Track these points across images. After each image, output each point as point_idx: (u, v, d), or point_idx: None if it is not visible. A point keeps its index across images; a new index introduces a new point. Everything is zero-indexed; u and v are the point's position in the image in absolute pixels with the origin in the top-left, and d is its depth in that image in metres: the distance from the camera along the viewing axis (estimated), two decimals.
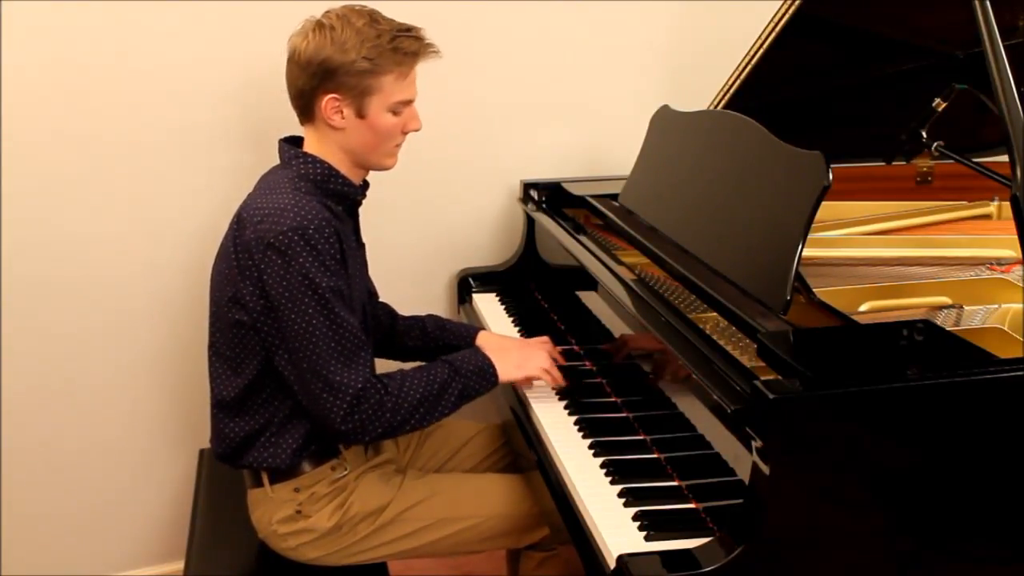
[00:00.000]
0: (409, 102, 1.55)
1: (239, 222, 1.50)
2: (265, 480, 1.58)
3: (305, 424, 1.55)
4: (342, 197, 1.57)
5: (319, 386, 1.44)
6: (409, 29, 1.52)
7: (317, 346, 1.44)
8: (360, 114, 1.51)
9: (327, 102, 1.49)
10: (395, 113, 1.53)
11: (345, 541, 1.59)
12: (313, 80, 1.48)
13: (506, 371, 1.61)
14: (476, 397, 1.59)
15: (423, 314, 1.88)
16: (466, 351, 1.63)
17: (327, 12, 1.50)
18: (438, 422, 1.85)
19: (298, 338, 1.44)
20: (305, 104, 1.52)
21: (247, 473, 1.62)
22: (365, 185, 1.63)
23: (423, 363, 1.58)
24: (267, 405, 1.55)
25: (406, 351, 1.84)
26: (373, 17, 1.50)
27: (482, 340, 1.78)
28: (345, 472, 1.60)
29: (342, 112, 1.50)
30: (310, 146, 1.57)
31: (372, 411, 1.46)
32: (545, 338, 1.77)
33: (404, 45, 1.49)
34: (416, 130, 1.58)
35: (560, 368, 1.68)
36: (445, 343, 1.83)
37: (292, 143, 1.58)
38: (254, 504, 1.62)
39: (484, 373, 1.59)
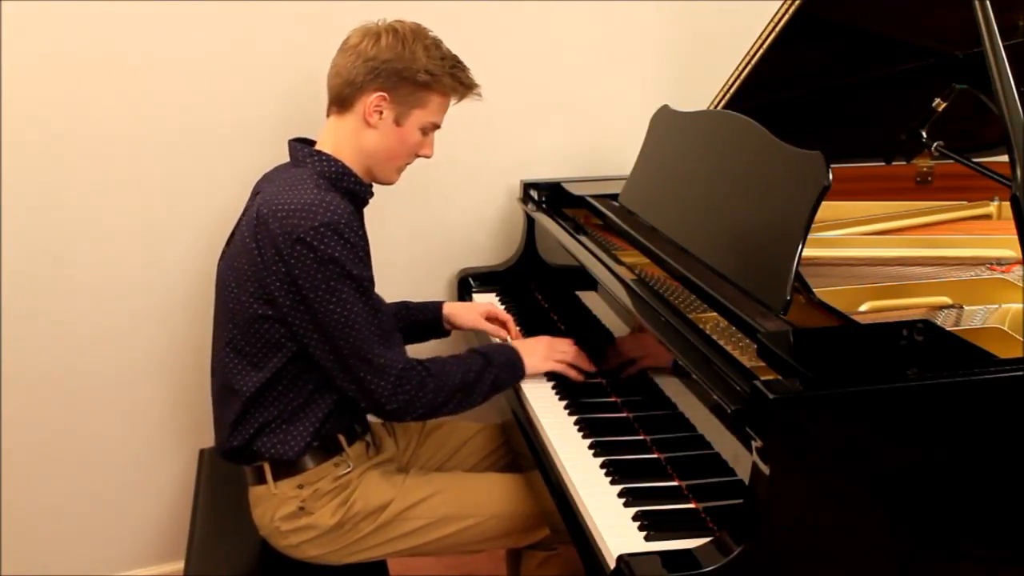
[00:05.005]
0: (436, 127, 1.63)
1: (258, 218, 1.50)
2: (268, 476, 1.58)
3: (313, 415, 1.56)
4: (353, 196, 1.60)
5: (364, 368, 1.49)
6: (464, 67, 1.61)
7: (360, 331, 1.47)
8: (398, 121, 1.57)
9: (375, 99, 1.54)
10: (424, 132, 1.61)
11: (347, 539, 1.59)
12: (370, 75, 1.54)
13: (534, 364, 1.68)
14: (505, 388, 1.67)
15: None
16: (496, 345, 1.71)
17: (400, 22, 1.58)
18: (437, 423, 1.87)
19: (338, 325, 1.47)
20: (348, 95, 1.56)
21: (249, 470, 1.62)
22: (371, 186, 1.65)
23: (455, 354, 1.64)
24: (281, 398, 1.55)
25: None
26: (437, 43, 1.59)
27: (448, 309, 1.90)
28: (348, 469, 1.60)
29: (382, 113, 1.56)
30: (325, 141, 1.60)
31: (416, 390, 1.52)
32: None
33: (461, 76, 1.60)
34: (427, 156, 1.66)
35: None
36: (411, 320, 1.90)
37: (302, 143, 1.61)
38: (256, 501, 1.62)
39: (514, 366, 1.65)
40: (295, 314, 1.49)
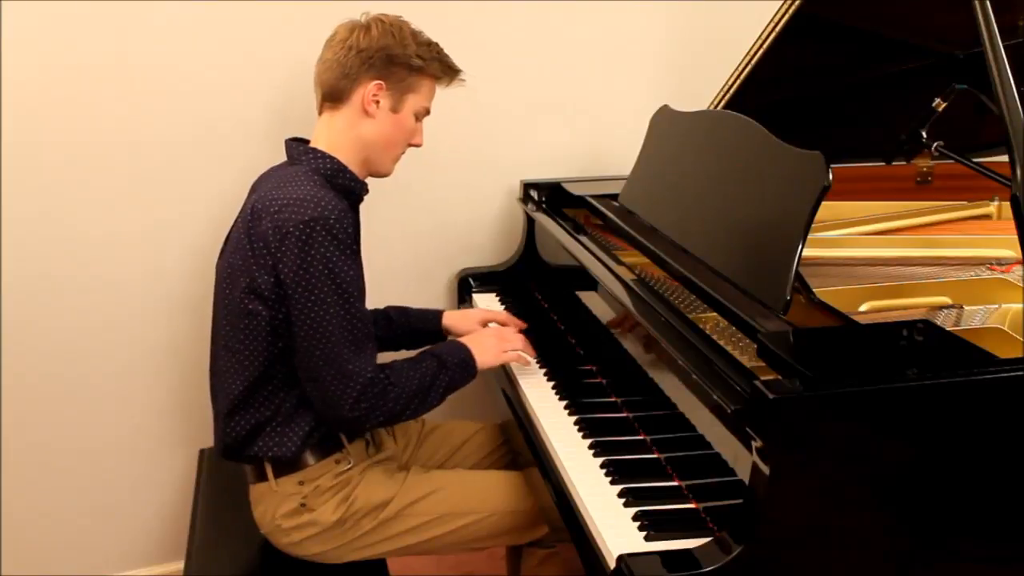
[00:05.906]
0: (427, 113, 1.66)
1: (253, 214, 1.51)
2: (270, 474, 1.58)
3: (308, 415, 1.56)
4: (348, 192, 1.60)
5: (331, 373, 1.47)
6: (447, 53, 1.65)
7: (332, 334, 1.46)
8: (395, 108, 1.60)
9: (372, 87, 1.57)
10: (417, 119, 1.64)
11: (349, 536, 1.59)
12: (364, 66, 1.57)
13: (486, 361, 1.67)
14: (459, 388, 1.63)
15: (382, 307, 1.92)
16: (448, 343, 1.68)
17: (383, 15, 1.61)
18: (436, 422, 1.87)
19: (312, 325, 1.46)
20: (344, 88, 1.58)
21: (250, 469, 1.62)
22: (366, 183, 1.66)
23: (410, 356, 1.62)
24: (273, 397, 1.55)
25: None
26: (419, 32, 1.63)
27: (448, 320, 1.89)
28: (349, 466, 1.61)
29: (379, 101, 1.58)
30: (319, 138, 1.62)
31: (377, 399, 1.50)
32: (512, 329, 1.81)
33: (448, 60, 1.65)
34: (418, 145, 1.68)
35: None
36: (410, 327, 1.90)
37: (298, 142, 1.62)
38: (257, 499, 1.62)
39: (466, 365, 1.63)
40: (278, 310, 1.49)
